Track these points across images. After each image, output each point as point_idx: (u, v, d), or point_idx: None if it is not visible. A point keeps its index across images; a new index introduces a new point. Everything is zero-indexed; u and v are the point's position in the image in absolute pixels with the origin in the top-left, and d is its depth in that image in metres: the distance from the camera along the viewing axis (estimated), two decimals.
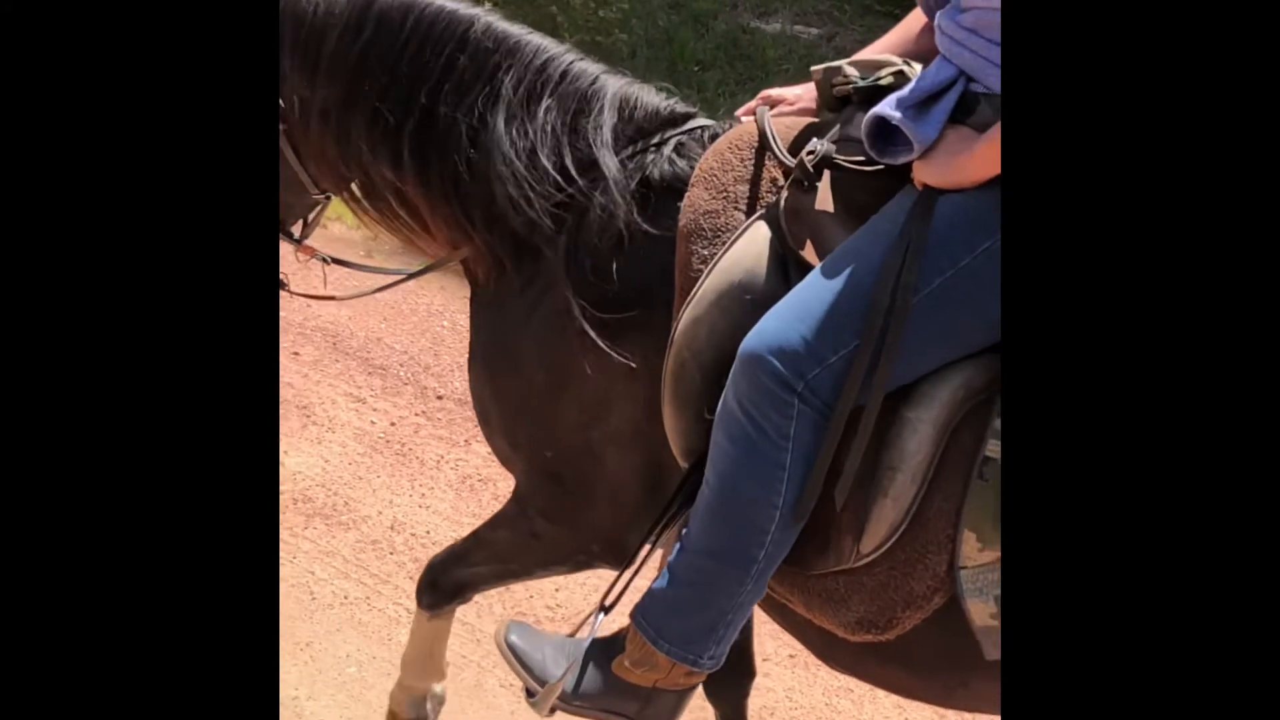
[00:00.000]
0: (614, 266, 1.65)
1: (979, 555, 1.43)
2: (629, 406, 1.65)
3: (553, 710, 1.58)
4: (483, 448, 2.65)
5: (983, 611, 1.44)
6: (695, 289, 1.54)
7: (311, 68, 1.79)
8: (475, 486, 3.27)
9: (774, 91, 1.75)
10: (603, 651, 1.58)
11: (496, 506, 2.04)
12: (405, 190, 1.79)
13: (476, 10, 1.79)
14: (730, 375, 1.47)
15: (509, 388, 1.78)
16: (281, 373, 3.63)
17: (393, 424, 3.52)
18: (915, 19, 1.68)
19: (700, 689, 1.92)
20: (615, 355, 1.62)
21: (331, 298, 2.04)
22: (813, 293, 1.45)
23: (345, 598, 2.82)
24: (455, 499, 3.22)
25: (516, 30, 1.79)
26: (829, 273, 1.45)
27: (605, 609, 1.61)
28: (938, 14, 1.52)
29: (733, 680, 2.06)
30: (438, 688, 2.12)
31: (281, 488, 3.03)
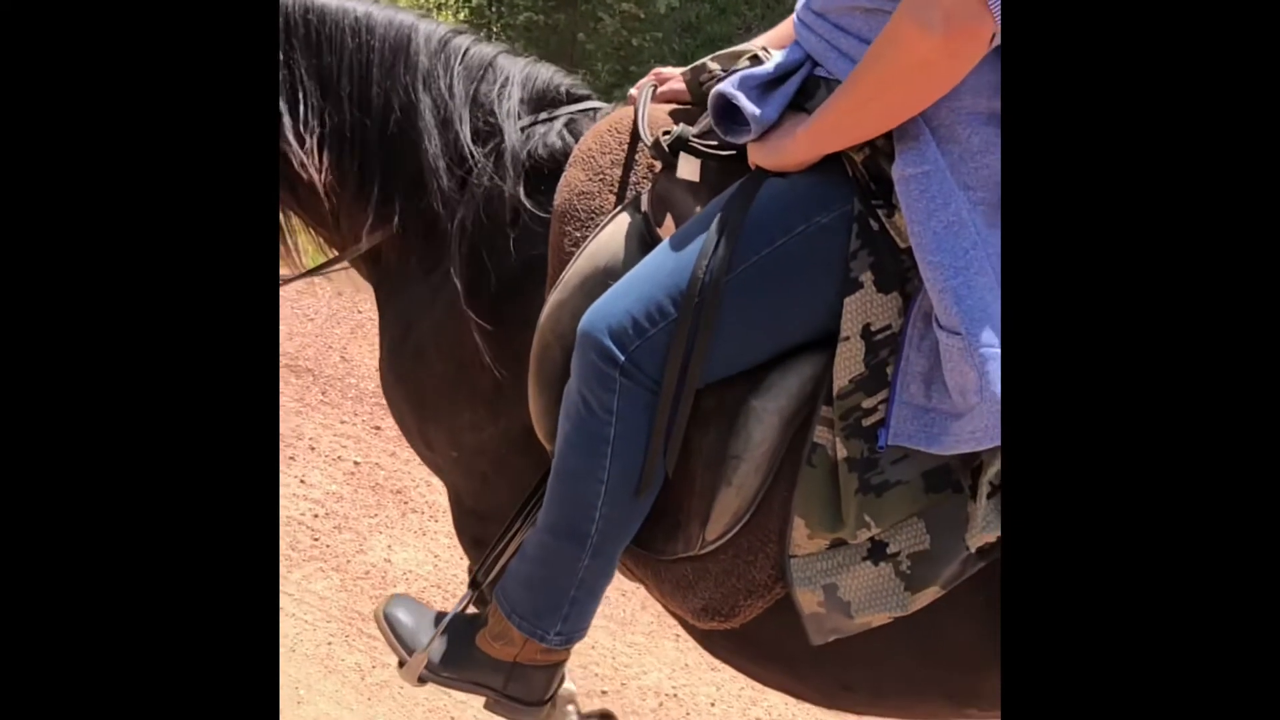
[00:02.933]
0: (504, 246, 1.64)
1: (808, 543, 1.42)
2: (520, 397, 1.61)
3: (422, 680, 1.59)
4: None
5: (810, 599, 1.44)
6: (563, 272, 1.54)
7: None
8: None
9: (665, 70, 1.73)
10: (469, 625, 1.58)
11: None
12: (312, 179, 1.75)
13: (373, 7, 1.79)
14: (573, 355, 1.48)
15: (416, 383, 1.75)
16: (368, 451, 3.56)
17: None
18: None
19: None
20: (504, 341, 1.61)
21: None
22: (644, 270, 1.46)
23: None
24: None
25: (408, 18, 1.79)
26: (661, 252, 1.46)
27: (475, 585, 1.63)
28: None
29: None
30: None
31: (387, 592, 2.93)
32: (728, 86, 1.43)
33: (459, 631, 1.59)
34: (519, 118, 1.71)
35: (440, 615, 1.62)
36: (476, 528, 1.76)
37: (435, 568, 3.11)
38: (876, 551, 1.40)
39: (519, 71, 1.74)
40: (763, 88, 1.43)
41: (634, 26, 6.13)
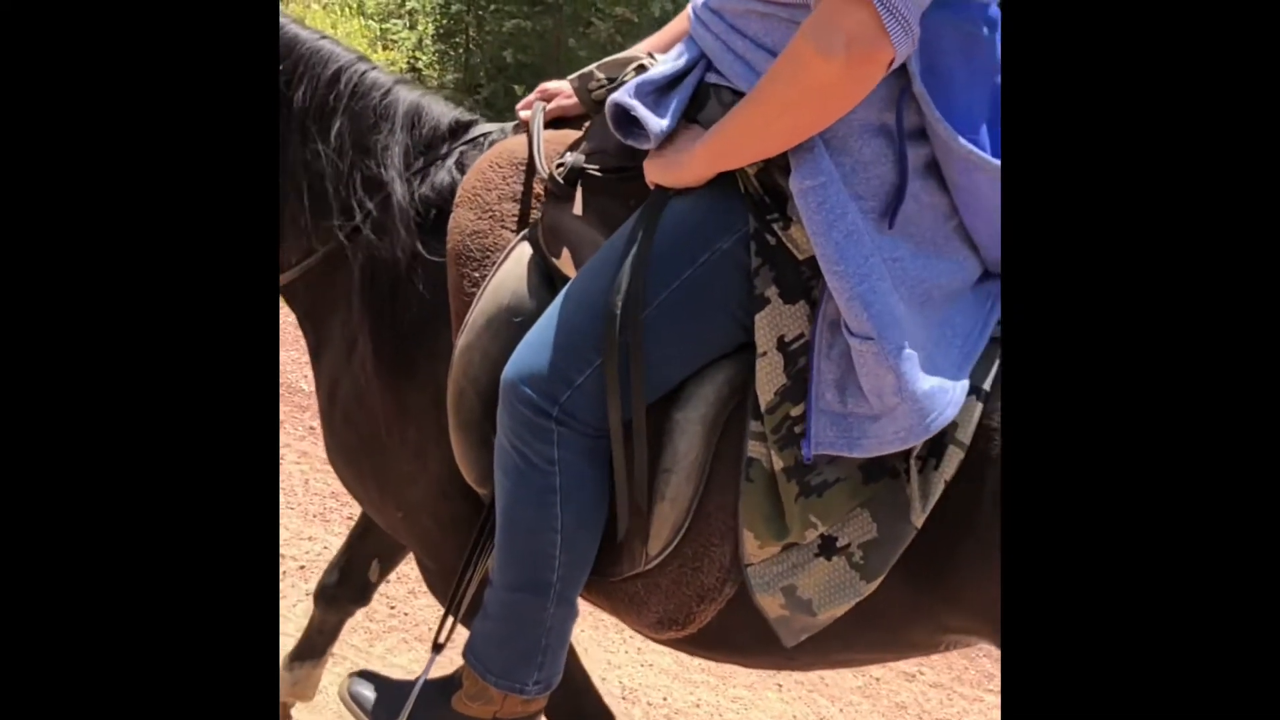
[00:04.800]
0: (406, 294, 1.62)
1: (760, 552, 1.44)
2: (445, 445, 1.58)
3: None
4: None
5: (773, 604, 1.45)
6: (468, 314, 1.53)
7: None
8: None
9: (551, 85, 1.71)
10: (441, 689, 1.57)
11: None
12: None
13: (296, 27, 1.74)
14: (498, 407, 1.46)
15: (350, 445, 1.72)
16: None
17: None
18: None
19: (320, 601, 2.16)
20: (419, 390, 1.59)
21: None
22: (557, 314, 1.45)
23: None
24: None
25: (306, 34, 1.73)
26: (571, 292, 1.46)
27: (437, 648, 1.61)
28: None
29: (347, 597, 2.18)
30: None
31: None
32: (624, 96, 1.42)
33: (432, 698, 1.57)
34: (408, 162, 1.67)
35: (408, 684, 1.60)
36: (443, 585, 1.72)
37: None
38: (827, 547, 1.41)
39: (403, 113, 1.69)
40: (658, 93, 1.42)
41: (627, 30, 5.97)
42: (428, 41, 6.46)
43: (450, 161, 1.67)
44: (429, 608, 2.96)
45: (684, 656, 2.88)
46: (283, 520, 3.07)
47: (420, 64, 6.37)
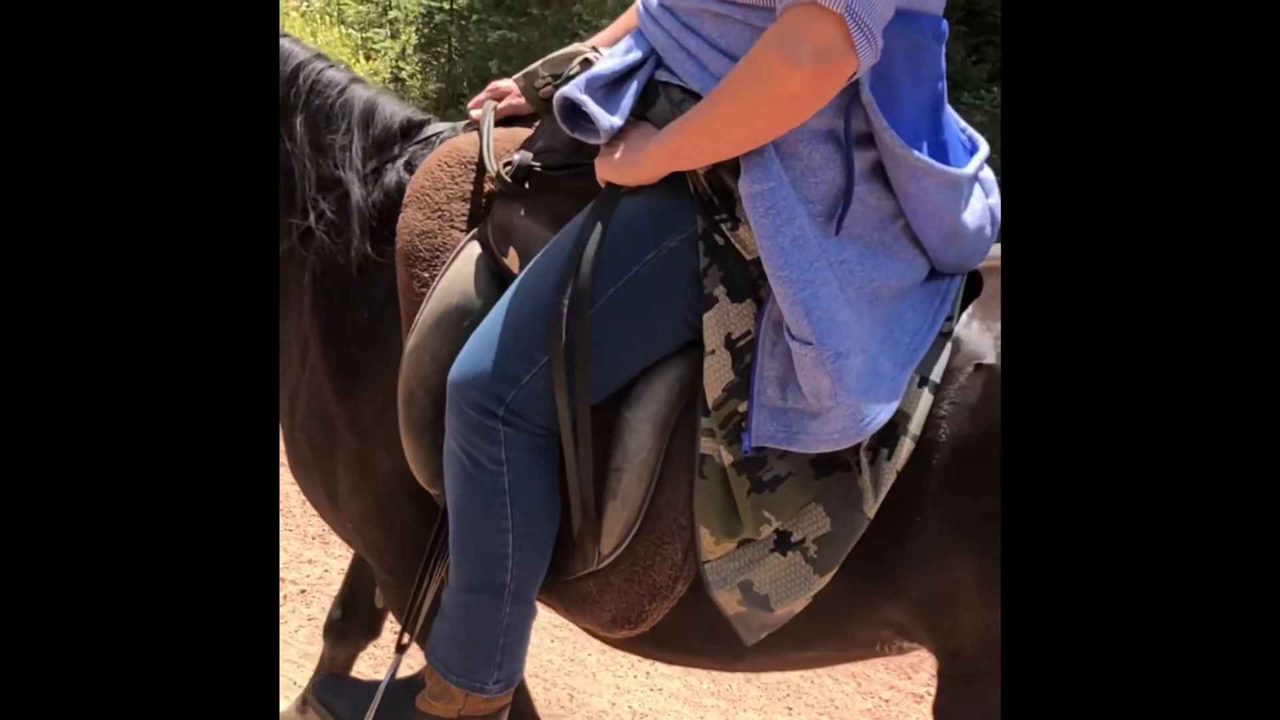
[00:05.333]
0: (356, 297, 1.61)
1: (716, 549, 1.45)
2: (395, 452, 1.57)
3: None
4: None
5: (731, 600, 1.46)
6: (417, 315, 1.52)
7: None
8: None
9: (502, 83, 1.71)
10: (406, 689, 1.58)
11: None
12: None
13: None
14: (446, 410, 1.46)
15: (303, 457, 1.71)
16: None
17: None
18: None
19: (329, 637, 2.14)
20: (370, 395, 1.57)
21: None
22: (502, 314, 1.45)
23: None
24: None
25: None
26: (516, 291, 1.46)
27: (401, 649, 1.62)
28: None
29: (355, 631, 2.15)
30: None
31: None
32: (574, 91, 1.41)
33: (397, 698, 1.57)
34: (364, 161, 1.65)
35: (374, 685, 1.60)
36: (397, 594, 1.71)
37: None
38: (782, 542, 1.42)
39: (359, 112, 1.67)
40: (608, 88, 1.42)
41: None
42: (410, 51, 6.40)
43: (400, 163, 1.66)
44: None
45: (693, 680, 2.86)
46: (282, 543, 3.01)
47: (404, 74, 6.32)
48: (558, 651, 2.88)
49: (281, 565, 2.88)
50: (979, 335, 1.45)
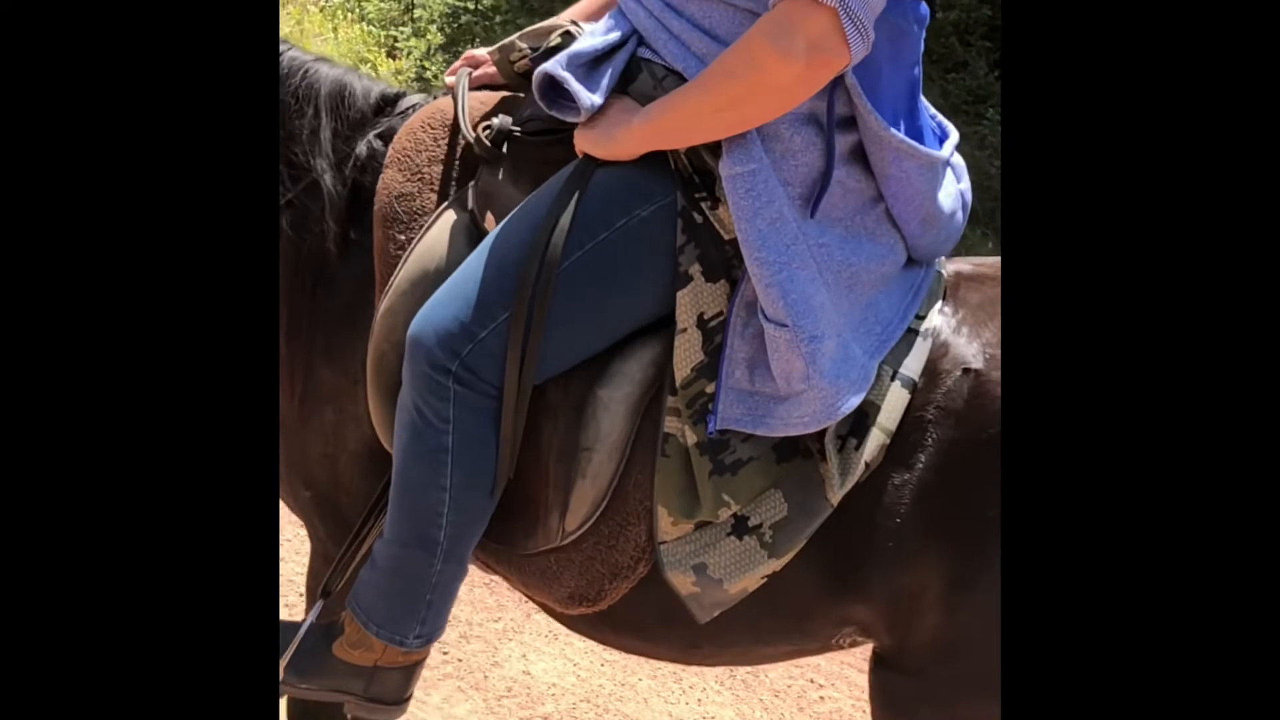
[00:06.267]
0: (330, 283, 1.59)
1: (673, 530, 1.44)
2: (365, 423, 1.56)
3: (280, 692, 1.58)
4: None
5: (684, 581, 1.45)
6: (392, 277, 1.50)
7: None
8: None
9: (478, 52, 1.68)
10: (324, 635, 1.56)
11: None
12: None
13: None
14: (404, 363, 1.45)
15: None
16: None
17: None
18: None
19: None
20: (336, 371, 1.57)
21: None
22: (469, 270, 1.43)
23: None
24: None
25: None
26: (484, 249, 1.44)
27: (326, 593, 1.59)
28: None
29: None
30: None
31: (535, 712, 2.54)
32: (555, 68, 1.40)
33: (314, 642, 1.56)
34: (336, 146, 1.61)
35: (293, 626, 1.58)
36: (335, 550, 1.66)
37: (578, 678, 2.65)
38: (739, 527, 1.42)
39: (326, 94, 1.62)
40: (589, 66, 1.40)
41: None
42: (434, 51, 6.19)
43: (370, 134, 1.61)
44: (482, 653, 2.68)
45: (745, 709, 2.59)
46: (282, 555, 2.79)
47: (429, 74, 6.10)
48: (609, 676, 2.68)
49: (281, 565, 2.70)
50: (967, 341, 1.46)
